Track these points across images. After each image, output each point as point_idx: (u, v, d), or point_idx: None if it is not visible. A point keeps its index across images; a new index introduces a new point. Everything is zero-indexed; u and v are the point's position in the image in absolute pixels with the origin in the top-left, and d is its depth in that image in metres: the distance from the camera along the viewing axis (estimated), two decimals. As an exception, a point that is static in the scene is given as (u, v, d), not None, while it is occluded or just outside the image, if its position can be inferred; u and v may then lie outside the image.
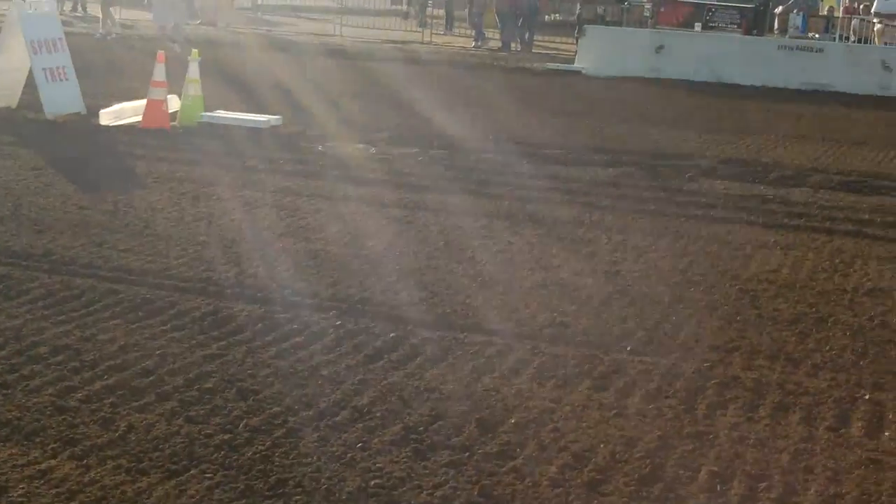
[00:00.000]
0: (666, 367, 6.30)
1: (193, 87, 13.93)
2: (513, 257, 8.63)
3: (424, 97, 17.91)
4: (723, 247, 9.29)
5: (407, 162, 12.30)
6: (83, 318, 6.70)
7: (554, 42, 28.82)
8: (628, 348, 6.61)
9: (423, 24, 31.73)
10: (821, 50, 23.91)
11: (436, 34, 29.55)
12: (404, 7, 35.86)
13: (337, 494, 4.65)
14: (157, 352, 6.16)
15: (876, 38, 26.52)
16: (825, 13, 31.35)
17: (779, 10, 30.22)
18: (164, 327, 6.60)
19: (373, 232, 9.16)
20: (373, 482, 4.75)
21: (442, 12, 32.09)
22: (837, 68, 22.74)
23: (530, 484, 4.82)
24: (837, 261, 9.05)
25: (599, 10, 30.12)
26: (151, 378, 5.75)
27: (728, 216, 10.44)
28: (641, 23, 28.92)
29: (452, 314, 7.11)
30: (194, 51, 14.32)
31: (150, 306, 6.97)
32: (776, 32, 28.79)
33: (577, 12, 29.55)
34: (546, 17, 32.20)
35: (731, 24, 28.79)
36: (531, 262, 8.48)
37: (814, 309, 7.65)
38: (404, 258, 8.40)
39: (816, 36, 27.81)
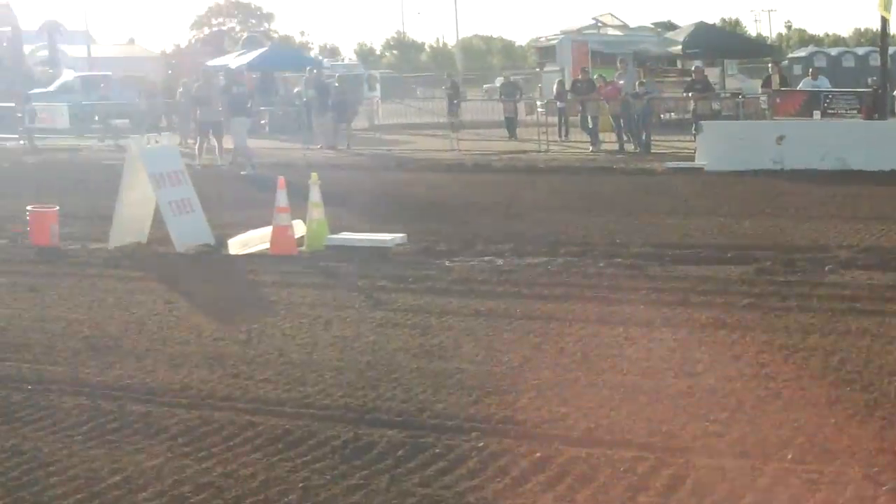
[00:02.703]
0: (832, 476, 5.94)
1: (317, 211, 14.03)
2: (654, 364, 8.34)
3: (547, 205, 17.85)
4: (875, 340, 8.86)
5: (535, 272, 12.13)
6: (223, 453, 6.63)
7: (671, 141, 28.60)
8: (789, 456, 6.26)
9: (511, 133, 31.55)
10: (949, 129, 23.23)
11: (552, 142, 29.56)
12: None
13: None
14: (300, 485, 6.05)
15: None
16: (948, 92, 30.53)
17: (898, 91, 29.57)
18: (305, 458, 6.48)
19: (507, 347, 8.97)
20: None
21: (553, 119, 32.06)
22: (969, 147, 22.00)
23: None
24: None
25: (715, 105, 29.84)
26: (296, 513, 5.62)
27: (876, 308, 9.98)
28: (758, 115, 28.59)
29: (598, 429, 6.85)
30: (313, 174, 14.44)
31: (290, 437, 6.88)
32: (899, 114, 28.14)
33: (691, 109, 29.28)
34: (661, 116, 31.98)
35: (851, 109, 28.26)
36: (675, 369, 8.18)
37: (983, 402, 7.19)
38: (542, 372, 8.18)
39: (942, 115, 27.09)
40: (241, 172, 24.59)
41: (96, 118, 39.30)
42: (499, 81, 52.51)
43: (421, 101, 48.46)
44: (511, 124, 33.24)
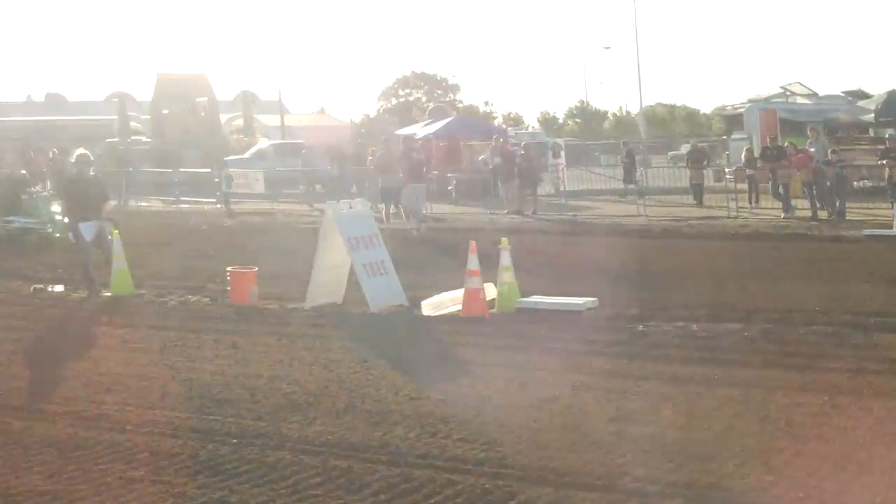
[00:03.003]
0: None
1: (507, 275, 14.08)
2: (863, 434, 8.03)
3: (740, 271, 17.50)
4: None
5: (731, 338, 11.87)
6: (426, 510, 6.65)
7: (866, 208, 27.79)
8: None
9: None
10: None
11: (741, 208, 29.07)
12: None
13: None
14: (503, 545, 6.00)
15: None
16: None
17: None
18: (507, 519, 6.45)
19: (707, 413, 8.78)
20: None
21: (741, 186, 31.55)
22: None
23: None
24: None
25: (912, 173, 28.88)
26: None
27: None
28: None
29: (807, 499, 6.62)
30: (503, 239, 14.49)
31: (490, 497, 6.87)
32: None
33: (887, 176, 28.40)
34: (855, 183, 31.10)
35: None
36: (886, 440, 7.86)
37: None
38: (745, 439, 7.97)
39: None
40: (422, 232, 25.39)
41: (301, 187, 40.81)
42: (684, 148, 51.98)
43: (604, 168, 48.44)
44: (698, 191, 32.91)
